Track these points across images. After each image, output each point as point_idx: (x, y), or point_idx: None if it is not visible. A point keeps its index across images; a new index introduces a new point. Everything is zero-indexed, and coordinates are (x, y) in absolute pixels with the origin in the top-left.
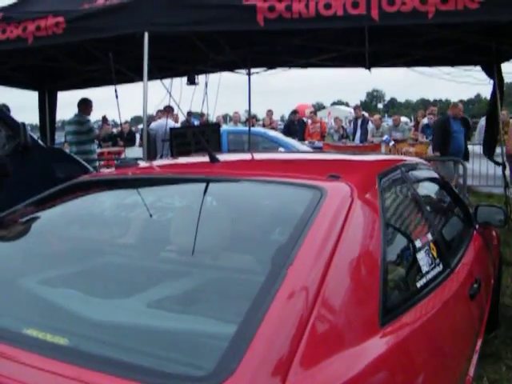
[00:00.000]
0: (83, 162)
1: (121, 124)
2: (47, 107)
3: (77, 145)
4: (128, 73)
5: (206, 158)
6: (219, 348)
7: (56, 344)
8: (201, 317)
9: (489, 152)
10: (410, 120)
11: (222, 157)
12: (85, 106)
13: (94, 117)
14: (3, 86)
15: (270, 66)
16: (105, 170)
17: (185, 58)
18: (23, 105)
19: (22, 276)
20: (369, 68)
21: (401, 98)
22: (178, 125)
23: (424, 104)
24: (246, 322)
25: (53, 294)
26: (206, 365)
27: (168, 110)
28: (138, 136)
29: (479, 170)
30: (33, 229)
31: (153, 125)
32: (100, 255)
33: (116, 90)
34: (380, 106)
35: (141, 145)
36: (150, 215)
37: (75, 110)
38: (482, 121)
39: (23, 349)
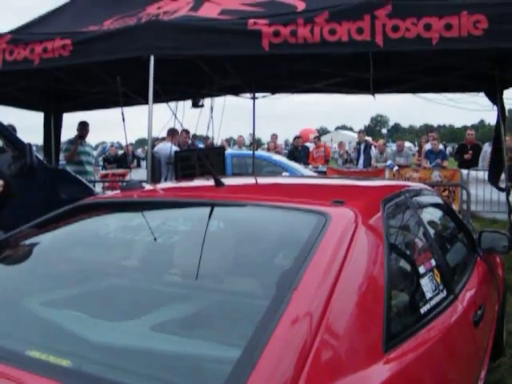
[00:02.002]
0: (88, 184)
1: (127, 146)
2: (52, 128)
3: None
4: (133, 95)
5: (211, 182)
6: (223, 372)
7: (59, 365)
8: (205, 340)
9: (494, 179)
10: (414, 145)
11: (227, 181)
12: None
13: (99, 139)
14: (10, 107)
15: (275, 90)
16: (109, 193)
17: (190, 82)
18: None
19: (26, 297)
20: (373, 94)
21: (405, 124)
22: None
23: (427, 129)
24: (251, 346)
25: (56, 315)
26: None
27: (172, 134)
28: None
29: (483, 195)
30: (37, 250)
31: (156, 148)
32: (104, 277)
33: (123, 113)
34: (384, 131)
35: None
36: (155, 238)
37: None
38: (486, 146)
39: (26, 370)
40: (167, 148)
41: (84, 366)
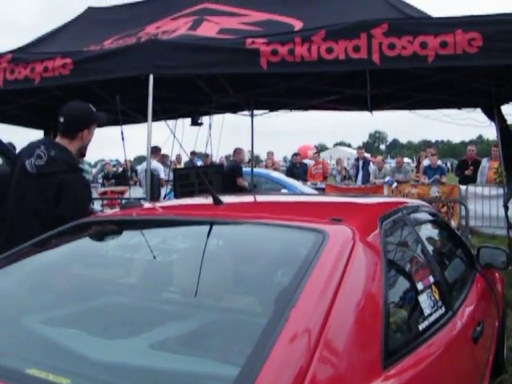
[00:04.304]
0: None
1: (125, 163)
2: None
3: None
4: (133, 113)
5: (210, 200)
6: None
7: (58, 383)
8: (204, 358)
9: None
10: (413, 161)
11: (226, 198)
12: None
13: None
14: (10, 125)
15: (273, 107)
16: (109, 211)
17: (189, 100)
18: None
19: (25, 315)
20: (371, 110)
21: (403, 139)
22: (160, 167)
23: (426, 145)
24: (249, 364)
25: (56, 333)
26: None
27: (155, 151)
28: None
29: (482, 211)
30: (37, 268)
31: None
32: (103, 295)
33: (122, 132)
34: (382, 147)
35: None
36: (154, 256)
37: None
38: (484, 162)
39: None
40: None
41: (83, 383)
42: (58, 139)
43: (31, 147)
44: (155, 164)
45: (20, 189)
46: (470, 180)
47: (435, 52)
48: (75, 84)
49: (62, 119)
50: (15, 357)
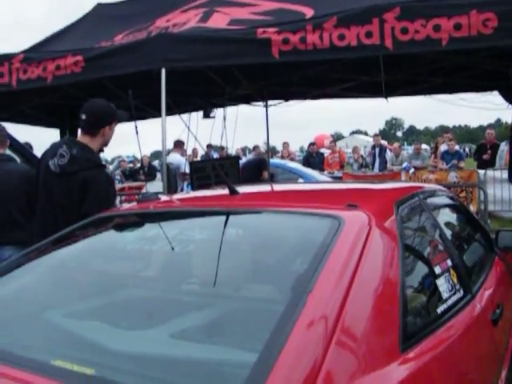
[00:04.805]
0: None
1: (142, 159)
2: None
3: None
4: (146, 109)
5: (226, 191)
6: (241, 375)
7: (83, 374)
8: (223, 346)
9: None
10: (430, 147)
11: (242, 189)
12: None
13: (115, 152)
14: (26, 125)
15: (287, 97)
16: (126, 205)
17: (202, 93)
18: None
19: (49, 309)
20: (386, 97)
21: (420, 126)
22: (182, 159)
23: (443, 130)
24: (267, 350)
25: (78, 326)
26: None
27: (178, 145)
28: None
29: (501, 195)
30: (58, 263)
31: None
32: (123, 288)
33: (136, 126)
34: (399, 134)
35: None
36: (172, 248)
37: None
38: (502, 146)
39: (52, 379)
40: (177, 160)
41: (107, 373)
42: (80, 137)
43: (54, 147)
44: (179, 158)
45: (47, 188)
46: (489, 164)
47: (449, 35)
48: (87, 81)
49: (83, 116)
50: (41, 349)
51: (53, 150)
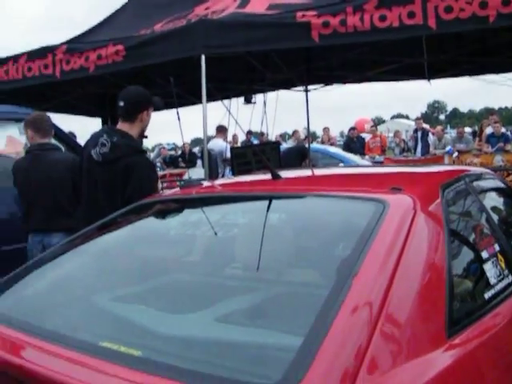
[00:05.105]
0: None
1: (183, 146)
2: None
3: None
4: (187, 95)
5: (268, 176)
6: (286, 359)
7: (130, 355)
8: (267, 329)
9: None
10: (472, 130)
11: (284, 173)
12: None
13: (155, 140)
14: (68, 115)
15: (327, 81)
16: (168, 191)
17: (242, 78)
18: (92, 131)
19: (96, 293)
20: (428, 79)
21: (463, 108)
22: (224, 144)
23: (488, 113)
24: (312, 334)
25: (125, 310)
26: (274, 375)
27: (221, 130)
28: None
29: None
30: (103, 249)
31: (210, 145)
32: (168, 273)
33: (178, 113)
34: (442, 117)
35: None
36: (215, 233)
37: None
38: None
39: (102, 359)
40: (219, 145)
41: (153, 355)
42: (120, 125)
43: (95, 137)
44: (221, 143)
45: (91, 177)
46: None
47: (497, 11)
48: (128, 70)
49: (121, 103)
50: (89, 331)
51: (94, 140)
